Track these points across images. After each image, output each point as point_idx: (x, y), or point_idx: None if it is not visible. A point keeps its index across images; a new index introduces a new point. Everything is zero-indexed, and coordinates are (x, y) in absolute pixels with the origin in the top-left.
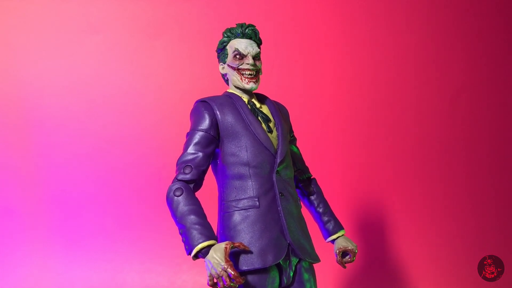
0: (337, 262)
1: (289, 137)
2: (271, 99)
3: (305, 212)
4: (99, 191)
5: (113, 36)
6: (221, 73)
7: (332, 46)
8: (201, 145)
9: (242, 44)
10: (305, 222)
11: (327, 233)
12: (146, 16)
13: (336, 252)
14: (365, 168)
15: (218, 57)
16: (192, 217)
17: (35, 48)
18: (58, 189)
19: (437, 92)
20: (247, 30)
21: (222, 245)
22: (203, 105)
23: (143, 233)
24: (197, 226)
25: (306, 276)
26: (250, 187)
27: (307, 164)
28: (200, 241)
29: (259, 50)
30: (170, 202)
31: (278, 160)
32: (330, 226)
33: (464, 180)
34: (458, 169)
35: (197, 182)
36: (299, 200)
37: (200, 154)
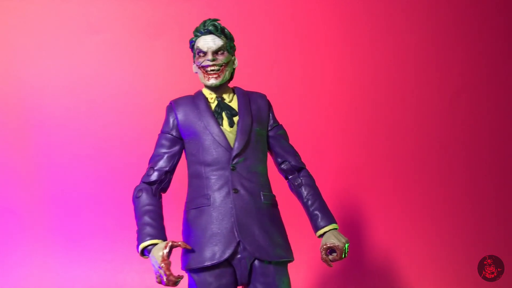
0: (322, 260)
1: (259, 128)
2: (251, 90)
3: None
4: (99, 191)
5: (113, 36)
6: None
7: (332, 46)
8: (164, 146)
9: (202, 41)
10: (274, 219)
11: (315, 227)
12: (146, 16)
13: (320, 249)
14: (364, 167)
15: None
16: (145, 218)
17: (35, 48)
18: (58, 189)
19: (437, 92)
20: (207, 25)
21: (162, 244)
22: (168, 107)
23: None
24: (146, 226)
25: (269, 277)
26: (204, 185)
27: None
28: (146, 239)
29: (221, 43)
30: (132, 202)
31: (233, 154)
32: (317, 219)
33: (464, 180)
34: (458, 169)
35: (160, 183)
36: (270, 196)
37: (163, 155)
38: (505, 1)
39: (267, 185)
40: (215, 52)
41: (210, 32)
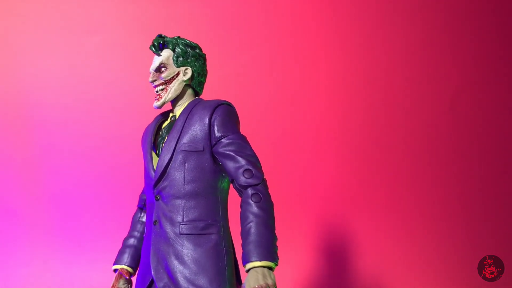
0: None
1: (184, 149)
2: (206, 100)
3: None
4: (100, 191)
5: (113, 36)
6: None
7: (328, 48)
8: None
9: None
10: (197, 251)
11: (241, 260)
12: (146, 16)
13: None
14: (362, 169)
15: None
16: (126, 240)
17: (35, 48)
18: (58, 189)
19: (435, 94)
20: (151, 46)
21: (118, 269)
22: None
23: None
24: (120, 251)
25: None
26: (147, 213)
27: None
28: (114, 263)
29: (160, 61)
30: None
31: (154, 181)
32: (243, 253)
33: (464, 180)
34: (458, 169)
35: (145, 207)
36: (188, 225)
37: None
38: (504, 1)
39: (196, 212)
40: (157, 71)
41: (154, 52)
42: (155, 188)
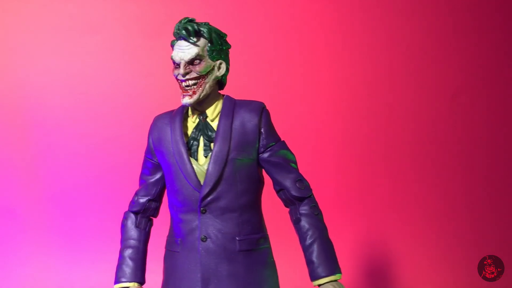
0: None
1: (236, 159)
2: (241, 99)
3: None
4: (99, 191)
5: (113, 36)
6: None
7: (330, 46)
8: (147, 172)
9: (176, 50)
10: (253, 269)
11: (310, 275)
12: (146, 16)
13: None
14: (362, 168)
15: None
16: (124, 254)
17: (34, 48)
18: (58, 189)
19: (436, 93)
20: (179, 29)
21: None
22: (150, 125)
23: None
24: (123, 265)
25: None
26: (176, 227)
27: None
28: (121, 280)
29: (196, 52)
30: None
31: (202, 194)
32: (312, 267)
33: (464, 180)
34: (458, 169)
35: (144, 212)
36: (245, 239)
37: (145, 182)
38: (504, 1)
39: (250, 224)
40: (190, 63)
41: (182, 38)
42: (203, 201)
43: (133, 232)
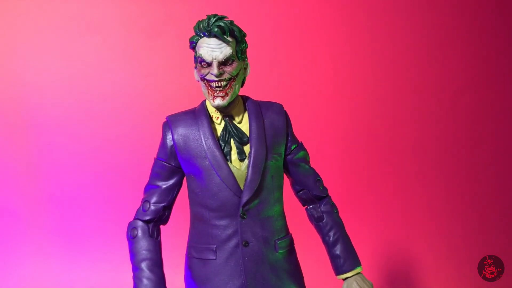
0: None
1: (275, 159)
2: (259, 100)
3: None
4: (99, 191)
5: (113, 36)
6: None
7: (332, 45)
8: (160, 176)
9: (206, 47)
10: (291, 270)
11: (335, 270)
12: (146, 16)
13: None
14: (365, 167)
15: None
16: (142, 267)
17: (35, 48)
18: (58, 189)
19: (439, 92)
20: (212, 26)
21: None
22: (166, 128)
23: None
24: (143, 279)
25: None
26: (209, 234)
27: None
28: None
29: (230, 51)
30: (127, 241)
31: (244, 200)
32: (339, 262)
33: (465, 180)
34: (458, 169)
35: (157, 221)
36: (285, 240)
37: (159, 187)
38: (506, 0)
39: (283, 227)
40: (222, 63)
41: (215, 35)
42: (245, 206)
43: (147, 242)
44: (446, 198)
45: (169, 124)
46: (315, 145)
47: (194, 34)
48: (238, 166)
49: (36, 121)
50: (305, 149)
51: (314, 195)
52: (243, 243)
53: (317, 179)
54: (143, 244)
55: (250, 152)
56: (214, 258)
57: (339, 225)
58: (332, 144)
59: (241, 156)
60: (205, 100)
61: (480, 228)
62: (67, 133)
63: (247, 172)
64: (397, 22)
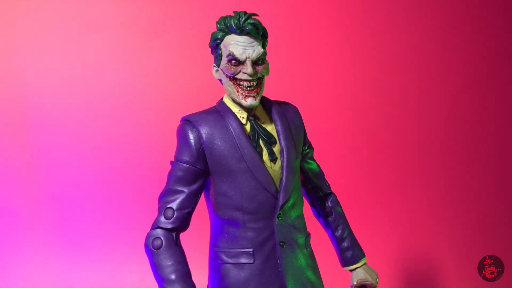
0: None
1: (298, 158)
2: (273, 100)
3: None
4: (99, 191)
5: (112, 36)
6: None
7: (333, 44)
8: (184, 181)
9: (238, 46)
10: (316, 268)
11: (345, 262)
12: (145, 16)
13: (353, 285)
14: (366, 167)
15: (212, 54)
16: (173, 277)
17: (34, 47)
18: (58, 189)
19: (440, 91)
20: (245, 23)
21: None
22: (189, 128)
23: (142, 234)
24: None
25: None
26: (244, 237)
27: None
28: None
29: (262, 50)
30: (148, 253)
31: (281, 203)
32: (348, 254)
33: (465, 180)
34: (459, 169)
35: (180, 228)
36: (308, 238)
37: (185, 192)
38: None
39: (305, 225)
40: (254, 62)
41: (247, 33)
42: (282, 208)
43: (175, 252)
44: (446, 198)
45: (194, 124)
46: (316, 145)
47: (217, 30)
48: (271, 166)
49: (36, 121)
50: (312, 147)
51: (324, 192)
52: (280, 243)
53: (324, 177)
54: (171, 255)
55: (282, 152)
56: (252, 261)
57: (345, 220)
58: (333, 144)
59: (272, 156)
60: (222, 99)
61: (480, 228)
62: (67, 133)
63: (282, 173)
64: (399, 21)
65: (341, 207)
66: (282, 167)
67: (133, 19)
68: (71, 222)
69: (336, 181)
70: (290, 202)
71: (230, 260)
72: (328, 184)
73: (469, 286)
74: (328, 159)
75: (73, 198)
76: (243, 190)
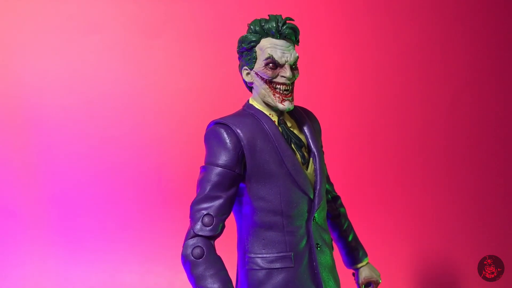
0: None
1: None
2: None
3: None
4: (99, 191)
5: (112, 35)
6: (244, 80)
7: (335, 44)
8: (223, 186)
9: (278, 50)
10: (335, 264)
11: (351, 261)
12: (145, 16)
13: (359, 282)
14: (367, 167)
15: (241, 57)
16: (216, 286)
17: (34, 47)
18: (58, 189)
19: (441, 90)
20: (284, 27)
21: None
22: (226, 131)
23: (142, 234)
24: None
25: None
26: (283, 241)
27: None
28: None
29: (297, 55)
30: (187, 263)
31: (317, 206)
32: (355, 254)
33: (465, 180)
34: (460, 169)
35: (217, 236)
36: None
37: (222, 198)
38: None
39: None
40: (292, 66)
41: (284, 37)
42: (317, 211)
43: (217, 260)
44: (447, 198)
45: (231, 127)
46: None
47: (250, 32)
48: (306, 171)
49: (36, 121)
50: (323, 151)
51: (333, 195)
52: (316, 246)
53: (329, 178)
54: (213, 263)
55: (314, 156)
56: (292, 265)
57: (349, 221)
58: (334, 145)
59: (304, 160)
60: (248, 101)
61: (480, 228)
62: (67, 133)
63: (316, 176)
64: (401, 20)
65: (344, 208)
66: (315, 170)
67: (133, 19)
68: (71, 222)
69: (339, 182)
70: (323, 205)
71: (267, 265)
72: (333, 187)
73: (469, 286)
74: (330, 160)
75: (73, 198)
76: (283, 193)
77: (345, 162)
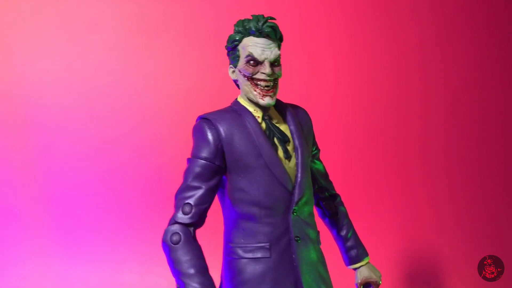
0: None
1: (310, 158)
2: (285, 102)
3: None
4: (99, 191)
5: (112, 35)
6: (231, 78)
7: (335, 44)
8: (203, 177)
9: (257, 48)
10: (325, 264)
11: (349, 260)
12: (145, 16)
13: (357, 283)
14: (367, 167)
15: (228, 56)
16: (192, 272)
17: (34, 47)
18: (57, 189)
19: (441, 91)
20: (264, 26)
21: None
22: (207, 125)
23: (142, 234)
24: (198, 285)
25: None
26: (261, 232)
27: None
28: None
29: (279, 53)
30: (166, 248)
31: (296, 199)
32: (353, 253)
33: (465, 180)
34: (460, 169)
35: (198, 224)
36: (319, 235)
37: (202, 188)
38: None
39: (316, 222)
40: (273, 63)
41: (265, 35)
42: (297, 204)
43: (193, 247)
44: (446, 198)
45: (213, 122)
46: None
47: (235, 32)
48: (287, 164)
49: (36, 121)
50: (319, 149)
51: (331, 192)
52: (295, 238)
53: (328, 176)
54: (189, 249)
55: (296, 151)
56: (269, 255)
57: (349, 220)
58: (334, 145)
59: (287, 154)
60: (236, 99)
61: (480, 228)
62: (67, 133)
63: (297, 170)
64: (400, 20)
65: (344, 207)
66: (297, 164)
67: (133, 19)
68: (71, 222)
69: (339, 182)
70: (304, 198)
71: (246, 255)
72: (333, 186)
73: (469, 286)
74: (330, 159)
75: (73, 198)
76: (261, 185)
77: (345, 162)
